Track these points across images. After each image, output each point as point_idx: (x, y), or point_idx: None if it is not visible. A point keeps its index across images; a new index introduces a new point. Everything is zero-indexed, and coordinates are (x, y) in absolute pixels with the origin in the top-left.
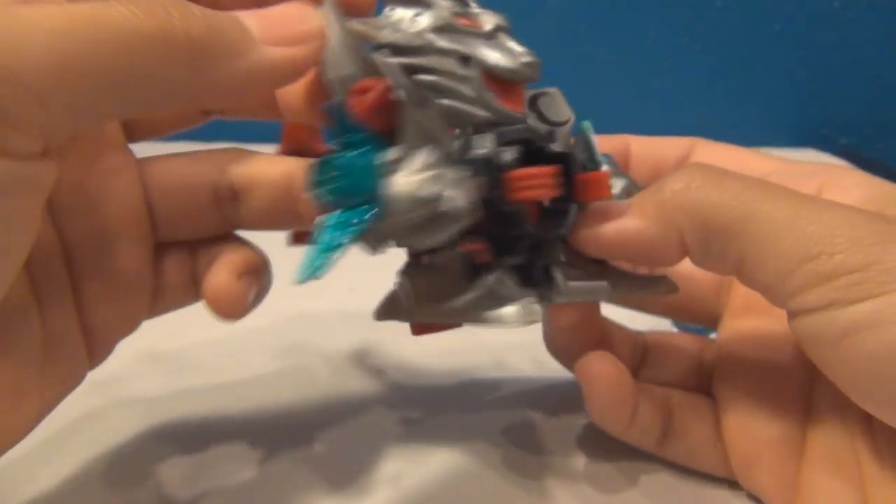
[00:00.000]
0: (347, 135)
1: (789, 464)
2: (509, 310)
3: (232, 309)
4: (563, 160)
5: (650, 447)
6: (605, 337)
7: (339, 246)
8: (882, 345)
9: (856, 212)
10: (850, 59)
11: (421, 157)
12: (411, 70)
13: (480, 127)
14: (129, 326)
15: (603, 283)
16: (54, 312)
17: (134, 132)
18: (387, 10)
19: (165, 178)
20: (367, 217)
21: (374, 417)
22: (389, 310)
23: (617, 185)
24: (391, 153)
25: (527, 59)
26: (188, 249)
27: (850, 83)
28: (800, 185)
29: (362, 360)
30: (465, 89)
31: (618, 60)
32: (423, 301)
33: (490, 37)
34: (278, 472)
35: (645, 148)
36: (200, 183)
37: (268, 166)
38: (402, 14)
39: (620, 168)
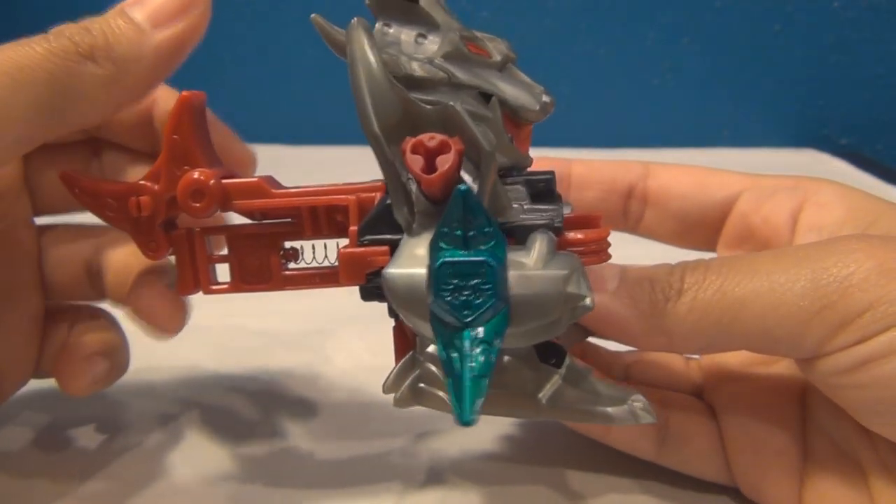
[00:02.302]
0: (470, 222)
1: (794, 473)
2: (615, 409)
3: (73, 386)
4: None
5: (648, 454)
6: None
7: (489, 370)
8: None
9: (834, 248)
10: (850, 59)
11: (540, 244)
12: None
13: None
14: (16, 383)
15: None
16: None
17: (41, 207)
18: (379, 25)
19: (52, 250)
20: (504, 327)
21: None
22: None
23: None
24: (518, 250)
25: (546, 98)
26: (70, 318)
27: (850, 83)
28: (778, 205)
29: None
30: (485, 131)
31: (618, 60)
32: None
33: (502, 68)
34: (287, 469)
35: (591, 171)
36: (78, 257)
37: (122, 252)
38: (400, 34)
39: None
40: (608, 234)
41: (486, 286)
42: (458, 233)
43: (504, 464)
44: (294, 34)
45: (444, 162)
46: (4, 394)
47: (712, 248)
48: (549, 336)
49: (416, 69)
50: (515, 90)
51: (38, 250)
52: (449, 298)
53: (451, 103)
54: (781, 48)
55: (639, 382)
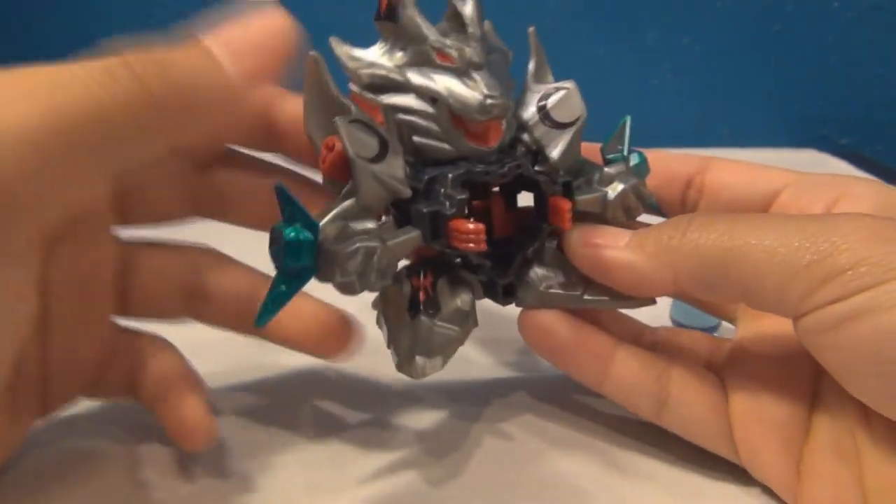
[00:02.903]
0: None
1: (794, 448)
2: (424, 361)
3: (207, 440)
4: (536, 183)
5: (648, 414)
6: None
7: (284, 299)
8: (877, 330)
9: (836, 217)
10: (850, 59)
11: (336, 209)
12: (394, 109)
13: (453, 162)
14: (65, 394)
15: (577, 294)
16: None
17: (126, 217)
18: (380, 43)
19: (143, 267)
20: (300, 282)
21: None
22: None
23: (617, 188)
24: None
25: (491, 100)
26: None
27: (850, 83)
28: (816, 197)
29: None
30: (435, 127)
31: (618, 60)
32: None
33: (462, 73)
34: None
35: (656, 162)
36: (174, 277)
37: (239, 278)
38: (376, 50)
39: (648, 167)
40: (482, 230)
41: (278, 250)
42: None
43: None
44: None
45: (327, 157)
46: (52, 400)
47: None
48: (366, 285)
49: (369, 76)
50: (464, 92)
51: (123, 265)
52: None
53: (336, 118)
54: (781, 48)
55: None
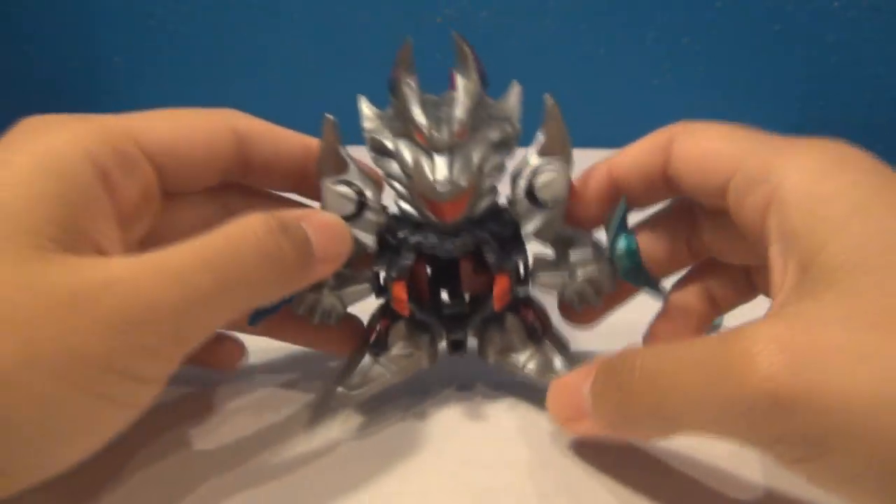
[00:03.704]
0: None
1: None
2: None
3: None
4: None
5: None
6: None
7: (271, 312)
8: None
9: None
10: (850, 59)
11: None
12: (386, 174)
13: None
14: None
15: (519, 364)
16: None
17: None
18: (393, 106)
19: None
20: (283, 303)
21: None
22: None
23: (576, 277)
24: None
25: (441, 185)
26: None
27: (850, 83)
28: (752, 207)
29: None
30: (408, 195)
31: (618, 60)
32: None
33: (430, 153)
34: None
35: (626, 168)
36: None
37: None
38: (394, 112)
39: (637, 254)
40: (404, 300)
41: None
42: None
43: (512, 459)
44: (295, 34)
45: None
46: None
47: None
48: None
49: (372, 140)
50: (424, 172)
51: None
52: None
53: (322, 179)
54: (781, 48)
55: None
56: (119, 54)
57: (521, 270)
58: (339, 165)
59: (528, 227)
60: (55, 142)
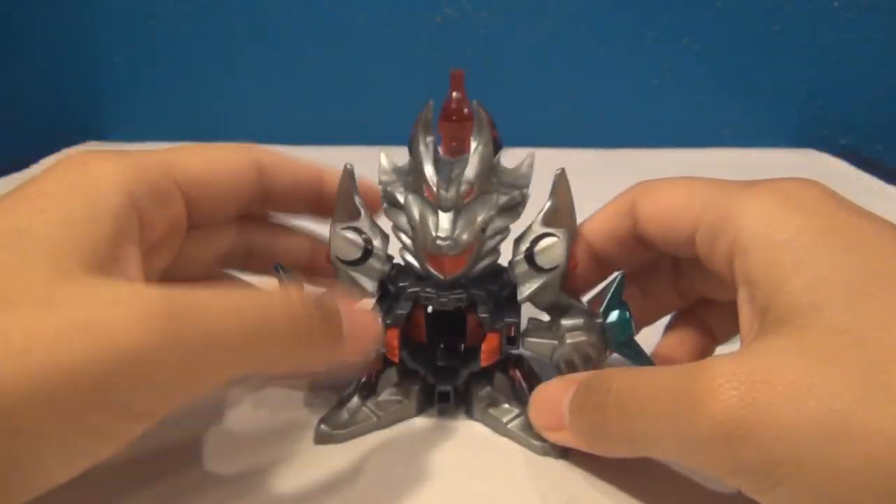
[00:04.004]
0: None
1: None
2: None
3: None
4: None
5: None
6: None
7: None
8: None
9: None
10: (850, 59)
11: None
12: (395, 226)
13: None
14: None
15: (502, 422)
16: None
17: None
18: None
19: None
20: None
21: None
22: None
23: (565, 344)
24: None
25: (440, 241)
26: None
27: (850, 83)
28: (719, 256)
29: None
30: (412, 247)
31: (618, 61)
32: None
33: (435, 210)
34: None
35: (595, 237)
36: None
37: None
38: (412, 165)
39: (631, 326)
40: (395, 347)
41: None
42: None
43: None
44: (295, 34)
45: (327, 251)
46: None
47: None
48: None
49: (385, 194)
50: (427, 227)
51: None
52: None
53: (332, 224)
54: (781, 48)
55: None
56: (119, 54)
57: (513, 331)
58: (352, 213)
59: (524, 290)
60: (93, 172)
